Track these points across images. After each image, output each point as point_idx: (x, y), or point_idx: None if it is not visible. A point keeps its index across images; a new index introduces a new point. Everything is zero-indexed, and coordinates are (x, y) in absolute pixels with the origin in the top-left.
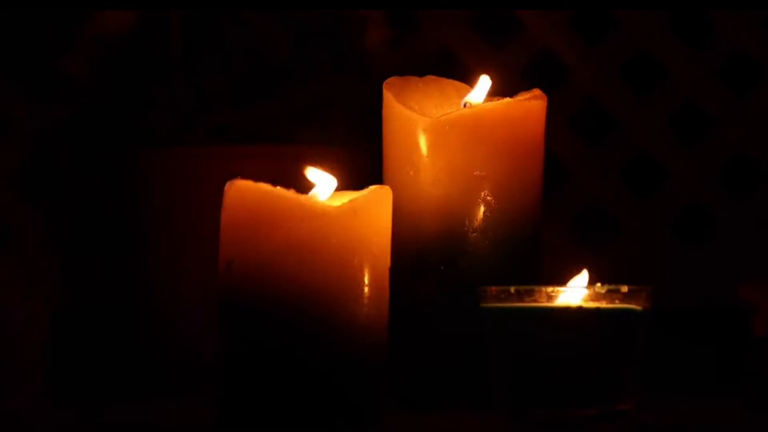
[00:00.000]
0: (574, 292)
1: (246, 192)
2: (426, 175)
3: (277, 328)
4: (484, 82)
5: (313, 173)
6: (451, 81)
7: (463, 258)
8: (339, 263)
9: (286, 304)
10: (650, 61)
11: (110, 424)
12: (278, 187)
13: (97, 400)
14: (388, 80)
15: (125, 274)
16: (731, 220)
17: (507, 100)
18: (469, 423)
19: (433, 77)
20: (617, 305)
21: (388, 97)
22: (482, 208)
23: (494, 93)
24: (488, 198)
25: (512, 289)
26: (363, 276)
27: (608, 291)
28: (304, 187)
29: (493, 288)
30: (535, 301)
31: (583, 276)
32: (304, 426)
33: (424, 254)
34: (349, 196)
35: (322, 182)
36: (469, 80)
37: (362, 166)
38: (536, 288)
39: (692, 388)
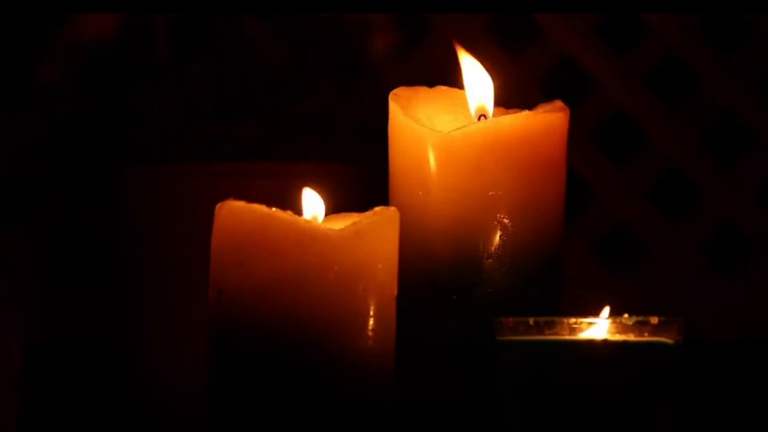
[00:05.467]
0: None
1: (239, 214)
2: (436, 196)
3: (273, 363)
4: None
5: (307, 194)
6: (463, 92)
7: (476, 286)
8: (341, 292)
9: (282, 336)
10: (682, 69)
11: None
12: (275, 209)
13: None
14: (395, 91)
15: (106, 303)
16: None
17: (525, 112)
18: None
19: (444, 88)
20: (646, 338)
21: (395, 110)
22: (498, 232)
23: (511, 104)
24: (504, 220)
25: (531, 321)
26: (367, 306)
27: (636, 323)
28: (303, 208)
29: (510, 319)
30: (556, 333)
31: None
32: None
33: (433, 282)
34: (352, 218)
35: (310, 203)
36: None
37: (367, 185)
38: (557, 319)
39: (728, 429)
